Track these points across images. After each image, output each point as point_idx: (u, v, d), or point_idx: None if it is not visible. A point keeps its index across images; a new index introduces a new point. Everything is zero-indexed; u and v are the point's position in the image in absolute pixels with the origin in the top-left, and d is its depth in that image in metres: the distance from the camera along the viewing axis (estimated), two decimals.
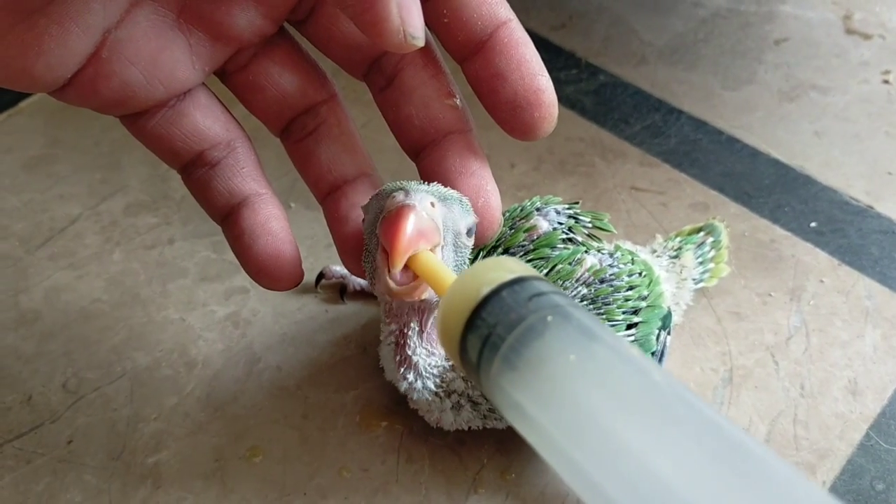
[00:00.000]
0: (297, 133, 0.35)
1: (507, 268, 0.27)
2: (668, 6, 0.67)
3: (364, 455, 0.41)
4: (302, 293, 0.47)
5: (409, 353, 0.36)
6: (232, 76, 0.33)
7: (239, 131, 0.34)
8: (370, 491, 0.39)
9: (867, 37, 0.65)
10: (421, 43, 0.28)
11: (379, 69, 0.34)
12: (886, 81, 0.61)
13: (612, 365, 0.23)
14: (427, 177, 0.34)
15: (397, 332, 0.36)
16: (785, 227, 0.51)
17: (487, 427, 0.39)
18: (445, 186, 0.34)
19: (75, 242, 0.50)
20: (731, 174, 0.54)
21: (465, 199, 0.34)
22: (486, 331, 0.26)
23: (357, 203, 0.34)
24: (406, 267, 0.31)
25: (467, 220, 0.34)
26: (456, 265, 0.34)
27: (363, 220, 0.35)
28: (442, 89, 0.33)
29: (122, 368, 0.44)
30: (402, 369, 0.37)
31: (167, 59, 0.30)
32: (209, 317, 0.46)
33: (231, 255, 0.49)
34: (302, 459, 0.40)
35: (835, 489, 0.39)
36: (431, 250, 0.32)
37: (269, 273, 0.33)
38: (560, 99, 0.58)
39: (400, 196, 0.32)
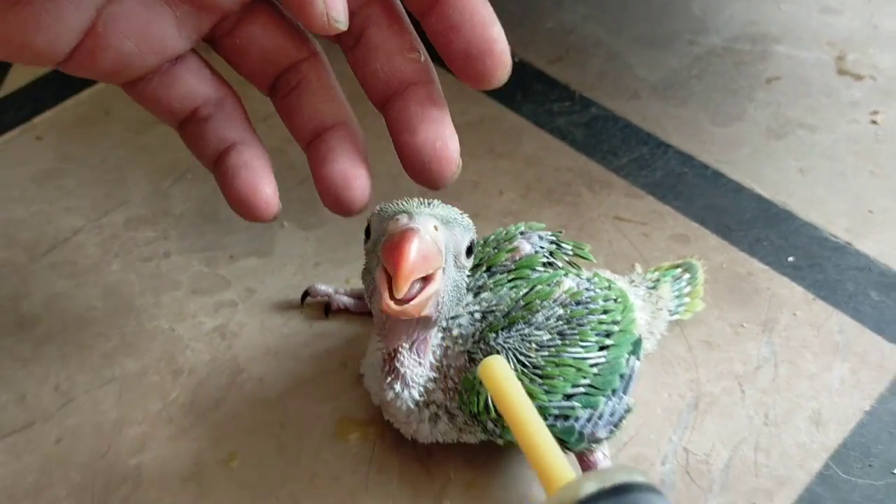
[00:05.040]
0: (282, 89, 0.37)
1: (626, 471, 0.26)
2: (665, 42, 0.69)
3: (336, 464, 0.42)
4: (288, 309, 0.49)
5: (398, 365, 0.38)
6: (219, 41, 0.36)
7: (228, 90, 0.37)
8: (339, 499, 0.41)
9: (859, 77, 0.66)
10: (344, 27, 0.31)
11: (348, 31, 0.36)
12: (874, 122, 0.62)
13: None
14: (392, 125, 0.35)
15: (391, 350, 0.38)
16: (763, 260, 0.52)
17: (461, 441, 0.40)
18: (412, 135, 0.34)
19: (77, 253, 0.52)
20: (713, 207, 0.55)
21: (465, 218, 0.36)
22: None
23: (334, 147, 0.36)
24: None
25: (467, 239, 0.35)
26: (455, 284, 0.36)
27: (365, 240, 0.36)
28: (405, 45, 0.35)
29: (112, 373, 0.46)
30: (390, 379, 0.38)
31: (156, 30, 0.33)
32: (198, 328, 0.48)
33: (222, 270, 0.52)
34: (277, 466, 0.42)
35: None
36: (433, 273, 0.33)
37: (245, 203, 0.35)
38: (552, 130, 0.61)
39: (403, 220, 0.33)
